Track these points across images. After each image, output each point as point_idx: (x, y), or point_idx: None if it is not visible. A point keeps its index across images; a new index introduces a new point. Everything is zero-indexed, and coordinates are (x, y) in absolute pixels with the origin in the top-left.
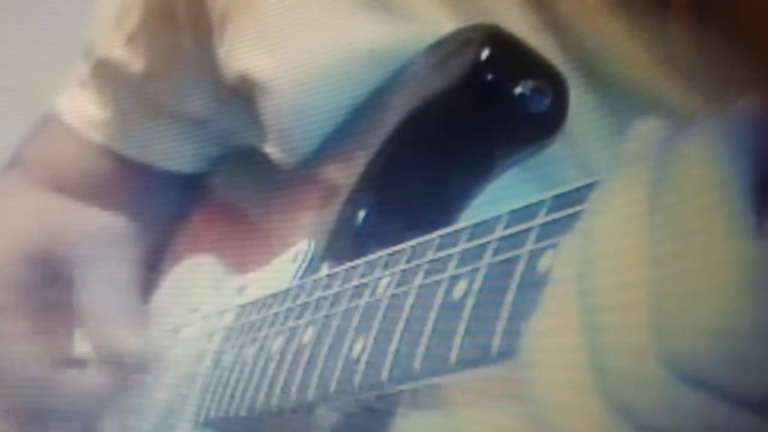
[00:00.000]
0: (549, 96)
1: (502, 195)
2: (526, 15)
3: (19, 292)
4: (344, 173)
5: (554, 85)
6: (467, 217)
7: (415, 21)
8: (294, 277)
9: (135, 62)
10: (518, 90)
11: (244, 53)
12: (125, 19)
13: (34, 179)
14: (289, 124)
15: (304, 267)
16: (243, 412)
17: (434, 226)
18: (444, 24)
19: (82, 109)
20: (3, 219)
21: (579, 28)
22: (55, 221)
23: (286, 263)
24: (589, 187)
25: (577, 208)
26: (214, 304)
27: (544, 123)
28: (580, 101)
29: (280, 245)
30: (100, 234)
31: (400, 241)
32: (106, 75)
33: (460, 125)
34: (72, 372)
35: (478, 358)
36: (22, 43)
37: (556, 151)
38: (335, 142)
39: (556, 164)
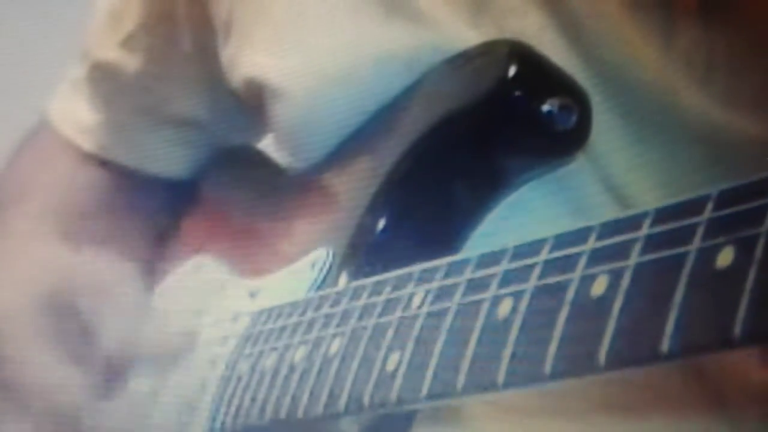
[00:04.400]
0: (575, 113)
1: (521, 208)
2: (541, 17)
3: (37, 336)
4: (354, 181)
5: (580, 102)
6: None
7: (431, 27)
8: (312, 285)
9: (131, 64)
10: (545, 107)
11: (253, 57)
12: (122, 20)
13: (34, 215)
14: (299, 129)
15: (323, 276)
16: (266, 421)
17: (453, 238)
18: (461, 31)
19: (74, 115)
20: (12, 264)
21: (593, 29)
22: (64, 270)
23: (302, 271)
24: (642, 216)
25: (629, 235)
26: (224, 308)
27: (569, 140)
28: (597, 107)
29: (287, 251)
30: (108, 283)
31: (421, 254)
32: (100, 77)
33: (485, 140)
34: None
35: (528, 378)
36: (13, 43)
37: (576, 162)
38: (346, 149)
39: (577, 176)
